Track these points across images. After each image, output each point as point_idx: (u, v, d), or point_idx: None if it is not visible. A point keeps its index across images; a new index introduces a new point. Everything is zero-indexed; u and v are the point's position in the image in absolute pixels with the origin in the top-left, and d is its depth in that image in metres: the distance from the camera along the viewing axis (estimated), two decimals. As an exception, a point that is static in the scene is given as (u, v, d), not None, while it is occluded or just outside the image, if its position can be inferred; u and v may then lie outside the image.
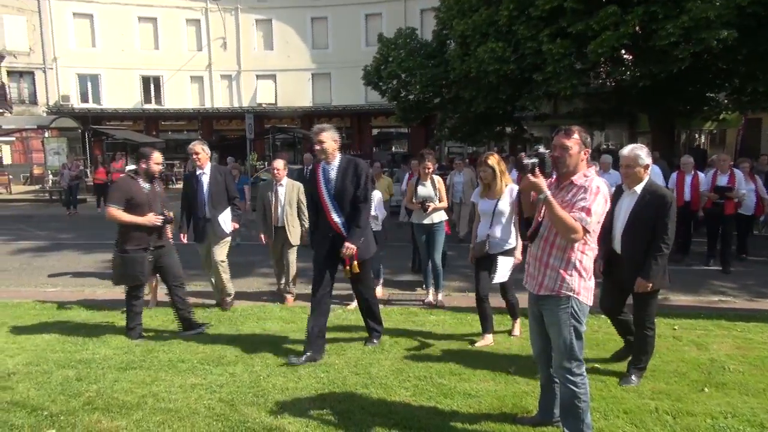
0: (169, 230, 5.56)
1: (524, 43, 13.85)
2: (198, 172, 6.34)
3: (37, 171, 27.77)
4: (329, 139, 4.67)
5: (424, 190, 6.53)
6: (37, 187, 25.64)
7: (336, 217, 4.69)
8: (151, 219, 5.16)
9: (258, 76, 32.76)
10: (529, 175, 2.97)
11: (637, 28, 12.68)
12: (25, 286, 7.77)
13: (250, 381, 4.23)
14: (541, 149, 3.06)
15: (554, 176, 3.16)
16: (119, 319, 5.98)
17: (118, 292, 6.54)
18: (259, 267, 9.06)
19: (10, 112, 28.57)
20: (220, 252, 6.37)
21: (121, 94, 31.36)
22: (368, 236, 5.02)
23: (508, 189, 4.96)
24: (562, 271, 3.05)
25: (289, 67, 32.11)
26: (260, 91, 32.66)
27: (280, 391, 4.03)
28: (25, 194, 24.49)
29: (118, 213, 5.10)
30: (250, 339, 5.27)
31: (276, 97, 32.67)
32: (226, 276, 6.42)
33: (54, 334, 5.49)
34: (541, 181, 2.96)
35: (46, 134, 25.24)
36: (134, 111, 31.27)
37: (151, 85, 32.19)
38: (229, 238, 6.47)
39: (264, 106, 31.60)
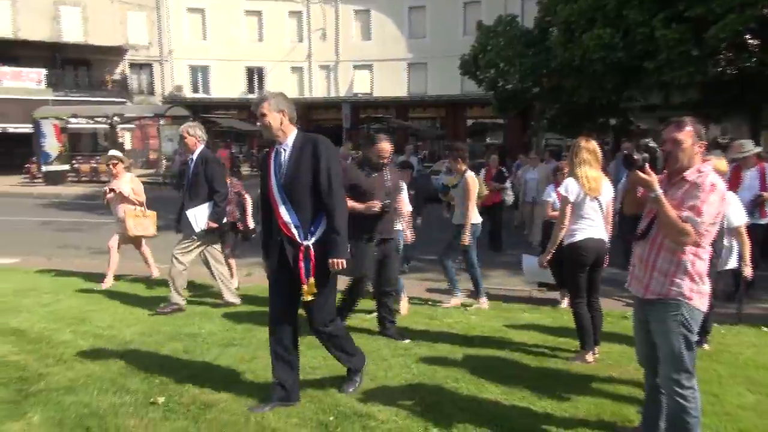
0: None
1: (635, 28, 12.99)
2: (188, 158, 5.83)
3: (152, 156, 30.08)
4: (272, 110, 3.42)
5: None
6: (152, 170, 27.73)
7: (285, 214, 3.48)
8: (369, 206, 4.76)
9: (355, 66, 33.38)
10: (639, 171, 2.79)
11: (765, 10, 11.50)
12: (140, 262, 8.41)
13: (341, 366, 4.29)
14: (651, 143, 2.86)
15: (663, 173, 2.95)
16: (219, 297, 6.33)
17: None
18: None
19: (131, 102, 31.16)
20: (181, 250, 5.77)
21: (227, 85, 33.24)
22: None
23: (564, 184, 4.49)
24: (671, 275, 2.84)
25: (386, 57, 32.40)
26: (357, 81, 33.23)
27: (371, 379, 4.06)
28: (141, 177, 26.34)
29: None
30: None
31: (372, 86, 33.10)
32: (175, 277, 5.76)
33: (165, 308, 5.90)
34: (653, 179, 2.78)
35: (161, 122, 27.20)
36: (239, 100, 32.97)
37: (254, 75, 33.85)
38: (197, 240, 5.79)
39: (360, 95, 32.11)
